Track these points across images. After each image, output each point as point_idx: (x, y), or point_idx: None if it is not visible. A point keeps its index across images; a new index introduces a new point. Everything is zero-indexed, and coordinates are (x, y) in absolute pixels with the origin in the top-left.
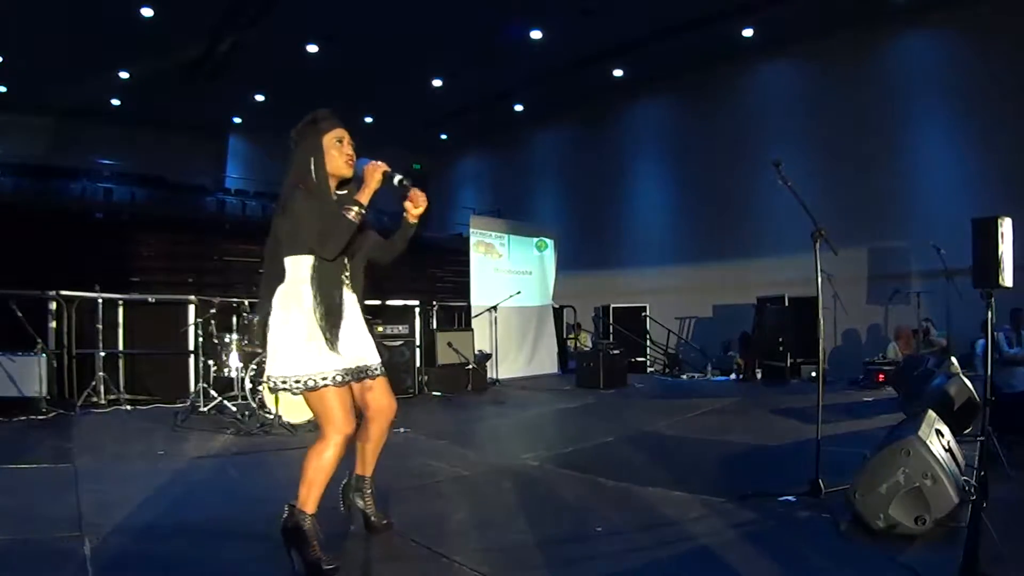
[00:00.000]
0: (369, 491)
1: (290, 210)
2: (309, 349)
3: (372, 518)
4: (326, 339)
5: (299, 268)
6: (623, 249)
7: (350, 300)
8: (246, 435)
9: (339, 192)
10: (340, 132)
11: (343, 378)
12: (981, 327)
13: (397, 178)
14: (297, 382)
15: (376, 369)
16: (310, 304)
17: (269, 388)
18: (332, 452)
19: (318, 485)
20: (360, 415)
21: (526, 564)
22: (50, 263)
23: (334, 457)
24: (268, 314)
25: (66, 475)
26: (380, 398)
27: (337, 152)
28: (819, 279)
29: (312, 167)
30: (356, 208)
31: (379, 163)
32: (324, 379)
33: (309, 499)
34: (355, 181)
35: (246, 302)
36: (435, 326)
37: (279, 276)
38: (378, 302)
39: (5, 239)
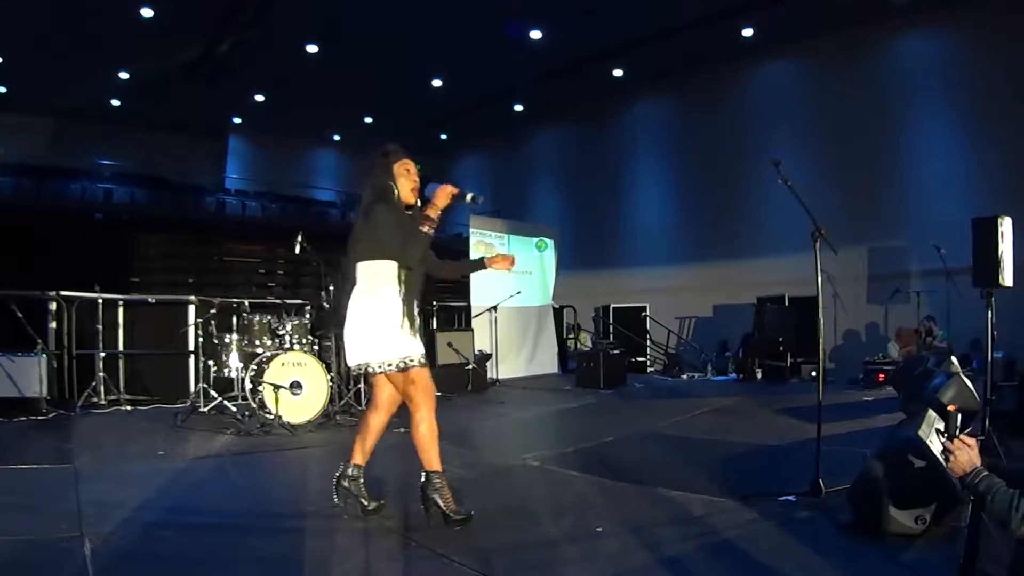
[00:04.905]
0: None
1: (374, 220)
2: (402, 336)
3: (369, 505)
4: (411, 329)
5: (381, 271)
6: (623, 249)
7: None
8: (246, 435)
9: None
10: (408, 163)
11: (424, 361)
12: None
13: (469, 196)
14: (396, 363)
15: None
16: (394, 301)
17: (367, 371)
18: (430, 422)
19: (434, 447)
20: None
21: (526, 564)
22: (50, 263)
23: (433, 424)
24: (343, 306)
25: (66, 475)
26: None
27: (405, 179)
28: (819, 279)
29: (392, 189)
30: (429, 223)
31: (447, 185)
32: (412, 360)
33: (433, 461)
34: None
35: (246, 302)
36: (435, 326)
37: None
38: None
39: (5, 239)
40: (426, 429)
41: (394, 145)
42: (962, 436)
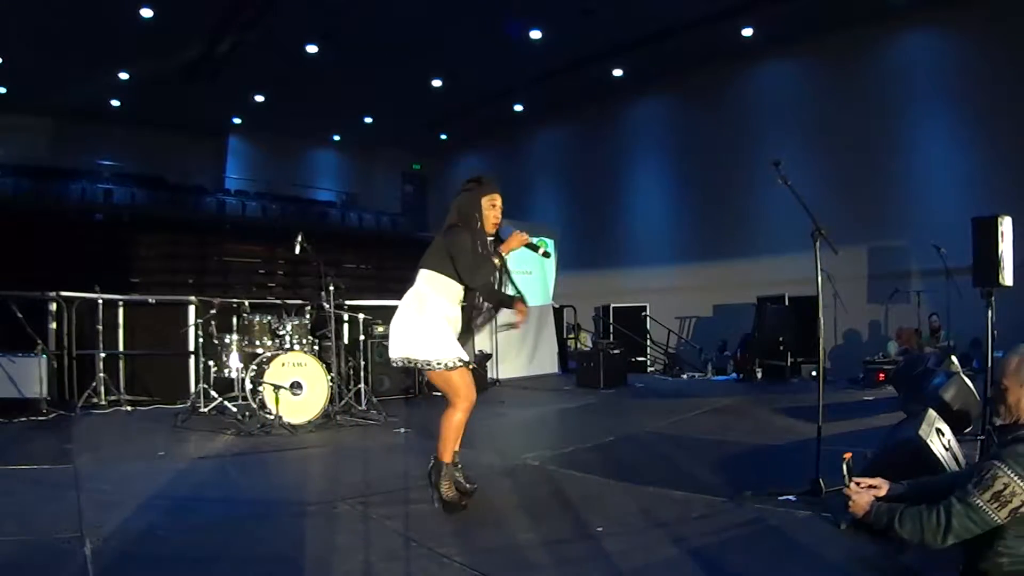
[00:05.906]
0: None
1: (451, 244)
2: (452, 339)
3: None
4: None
5: (444, 284)
6: (623, 249)
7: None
8: (246, 436)
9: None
10: (496, 197)
11: (469, 363)
12: None
13: (542, 250)
14: (452, 362)
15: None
16: (449, 310)
17: (425, 368)
18: (462, 416)
19: (452, 440)
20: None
21: (526, 564)
22: (50, 263)
23: (463, 419)
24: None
25: (66, 476)
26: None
27: (489, 212)
28: (819, 278)
29: (476, 219)
30: (499, 257)
31: (523, 234)
32: (463, 360)
33: (445, 452)
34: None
35: (246, 302)
36: None
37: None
38: (379, 302)
39: (5, 239)
40: (456, 421)
41: (490, 177)
42: (855, 479)
